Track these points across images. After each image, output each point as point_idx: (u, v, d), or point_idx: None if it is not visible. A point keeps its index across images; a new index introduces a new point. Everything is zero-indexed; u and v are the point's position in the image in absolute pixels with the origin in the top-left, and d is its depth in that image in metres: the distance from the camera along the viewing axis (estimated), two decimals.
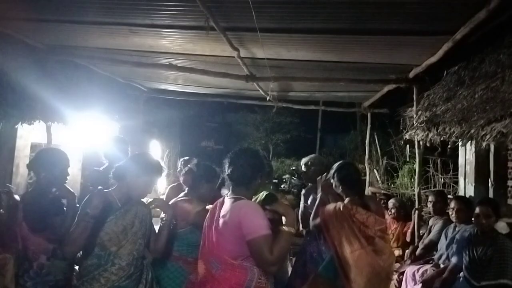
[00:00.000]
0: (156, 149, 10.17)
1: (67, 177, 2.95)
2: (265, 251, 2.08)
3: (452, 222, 4.26)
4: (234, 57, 4.59)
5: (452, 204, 4.21)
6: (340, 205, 3.06)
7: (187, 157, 4.49)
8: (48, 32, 4.57)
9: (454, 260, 3.79)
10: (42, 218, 2.74)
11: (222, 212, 2.27)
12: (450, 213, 4.22)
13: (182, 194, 3.16)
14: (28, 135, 5.77)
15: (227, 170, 2.35)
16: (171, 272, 2.82)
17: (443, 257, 4.16)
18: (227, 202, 2.31)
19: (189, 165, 3.52)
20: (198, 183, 3.07)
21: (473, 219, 3.63)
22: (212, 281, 2.21)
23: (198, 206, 2.92)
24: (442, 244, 4.29)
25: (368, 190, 7.76)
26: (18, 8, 3.80)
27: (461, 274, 3.66)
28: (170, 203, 2.99)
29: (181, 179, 4.10)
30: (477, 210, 3.53)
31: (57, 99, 4.68)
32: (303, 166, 4.15)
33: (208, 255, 2.27)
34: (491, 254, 3.34)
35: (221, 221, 2.24)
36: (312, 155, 4.28)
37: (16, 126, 4.54)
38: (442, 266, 4.06)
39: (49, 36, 4.74)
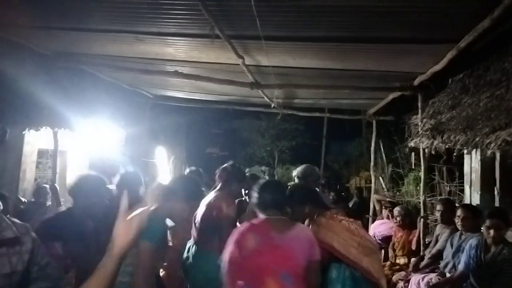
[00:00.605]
0: (162, 156, 10.20)
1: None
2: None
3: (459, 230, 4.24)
4: (239, 64, 4.62)
5: (459, 212, 4.17)
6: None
7: (194, 168, 4.57)
8: (55, 40, 4.63)
9: (461, 267, 3.73)
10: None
11: (283, 231, 2.48)
12: (456, 221, 4.19)
13: (213, 191, 3.62)
14: (35, 141, 5.84)
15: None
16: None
17: (449, 266, 4.13)
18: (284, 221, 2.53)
19: (224, 165, 3.72)
20: (231, 181, 3.54)
21: (482, 229, 3.56)
22: None
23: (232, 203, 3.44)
24: (448, 252, 4.26)
25: (373, 198, 7.73)
26: (26, 16, 3.85)
27: (468, 281, 3.63)
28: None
29: None
30: (487, 223, 3.45)
31: (63, 106, 4.72)
32: (295, 178, 4.06)
33: (276, 269, 2.39)
34: (501, 262, 3.29)
35: (288, 238, 2.45)
36: (304, 166, 4.20)
37: (23, 132, 4.60)
38: (448, 274, 4.03)
39: (56, 43, 4.80)
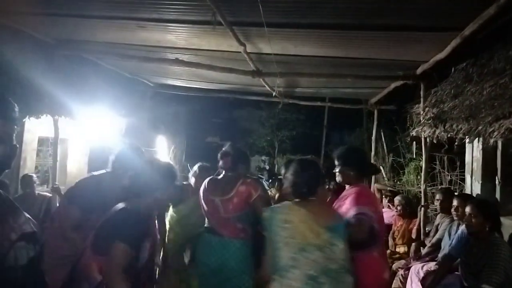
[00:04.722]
0: (162, 145, 10.20)
1: None
2: None
3: None
4: (240, 52, 4.58)
5: (455, 202, 4.16)
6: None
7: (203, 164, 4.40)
8: (56, 27, 4.59)
9: (450, 250, 3.72)
10: None
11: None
12: (453, 211, 4.18)
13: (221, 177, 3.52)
14: (36, 129, 5.83)
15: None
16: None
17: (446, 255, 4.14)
18: None
19: (224, 148, 3.57)
20: (236, 164, 3.41)
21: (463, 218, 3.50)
22: None
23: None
24: (446, 242, 4.27)
25: (374, 187, 7.74)
26: (26, 2, 3.81)
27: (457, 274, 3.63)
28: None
29: (192, 180, 4.16)
30: (466, 209, 3.38)
31: (64, 93, 4.70)
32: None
33: None
34: (485, 259, 3.16)
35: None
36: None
37: (23, 120, 4.58)
38: None
39: (58, 31, 4.76)
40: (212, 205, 3.35)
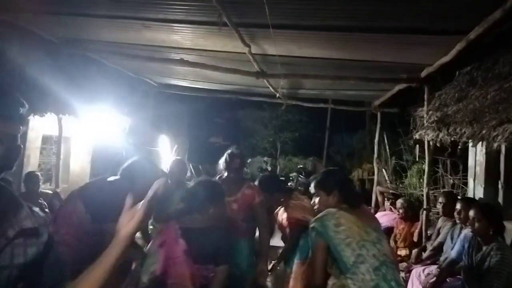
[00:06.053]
0: (165, 144, 10.22)
1: None
2: None
3: None
4: (245, 53, 4.59)
5: (458, 206, 4.13)
6: None
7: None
8: (61, 26, 4.60)
9: (453, 254, 3.70)
10: None
11: None
12: (456, 214, 4.16)
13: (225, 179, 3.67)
14: (40, 127, 5.85)
15: None
16: None
17: (449, 259, 4.13)
18: None
19: (232, 149, 3.68)
20: (243, 167, 3.67)
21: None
22: None
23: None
24: (448, 246, 4.25)
25: (376, 190, 7.74)
26: (33, 1, 3.83)
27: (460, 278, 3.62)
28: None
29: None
30: (470, 212, 3.37)
31: (68, 92, 4.72)
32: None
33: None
34: (488, 264, 3.14)
35: None
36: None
37: (28, 118, 4.58)
38: None
39: (63, 30, 4.78)
40: None
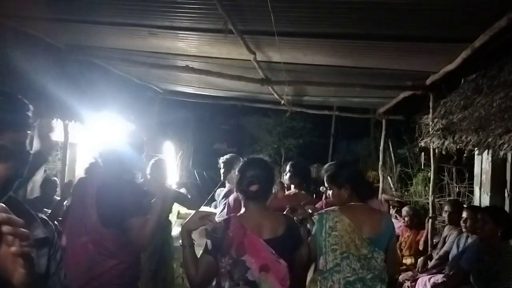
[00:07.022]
0: (170, 151, 10.23)
1: None
2: None
3: None
4: (250, 60, 4.61)
5: (465, 214, 4.12)
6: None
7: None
8: (69, 32, 4.64)
9: (461, 263, 3.69)
10: None
11: None
12: (462, 222, 4.14)
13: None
14: None
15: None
16: None
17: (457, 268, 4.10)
18: None
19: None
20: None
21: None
22: None
23: None
24: (454, 254, 4.23)
25: (381, 197, 7.70)
26: (39, 7, 3.85)
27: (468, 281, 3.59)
28: None
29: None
30: (478, 215, 3.43)
31: (74, 98, 4.74)
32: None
33: None
34: (497, 267, 3.18)
35: None
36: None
37: (34, 124, 4.61)
38: None
39: (70, 36, 4.82)
40: None
